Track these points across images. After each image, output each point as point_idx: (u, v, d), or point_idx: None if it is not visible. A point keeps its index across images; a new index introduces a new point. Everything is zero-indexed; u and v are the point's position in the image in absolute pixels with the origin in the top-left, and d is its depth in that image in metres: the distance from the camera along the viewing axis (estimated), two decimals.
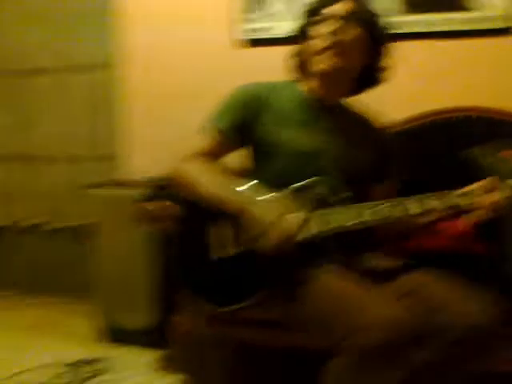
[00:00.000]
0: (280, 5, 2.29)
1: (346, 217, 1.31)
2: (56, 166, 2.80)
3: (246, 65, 2.34)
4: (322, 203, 1.36)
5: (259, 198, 1.35)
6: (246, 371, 1.71)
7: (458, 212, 1.29)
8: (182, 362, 1.79)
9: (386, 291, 1.30)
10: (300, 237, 1.30)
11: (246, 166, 1.57)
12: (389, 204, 1.31)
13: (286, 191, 1.38)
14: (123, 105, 2.58)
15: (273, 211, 1.30)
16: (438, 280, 1.34)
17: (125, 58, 2.55)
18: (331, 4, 1.44)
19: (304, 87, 1.52)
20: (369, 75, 1.51)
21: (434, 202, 1.28)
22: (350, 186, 1.41)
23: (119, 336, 2.34)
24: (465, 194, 1.28)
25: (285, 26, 2.22)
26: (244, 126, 1.48)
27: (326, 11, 1.44)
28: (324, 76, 1.46)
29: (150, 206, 1.71)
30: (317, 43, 1.43)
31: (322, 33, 1.42)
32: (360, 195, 1.41)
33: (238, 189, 1.40)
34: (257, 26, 2.35)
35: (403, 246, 1.57)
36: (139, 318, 2.28)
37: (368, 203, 1.33)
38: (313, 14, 1.47)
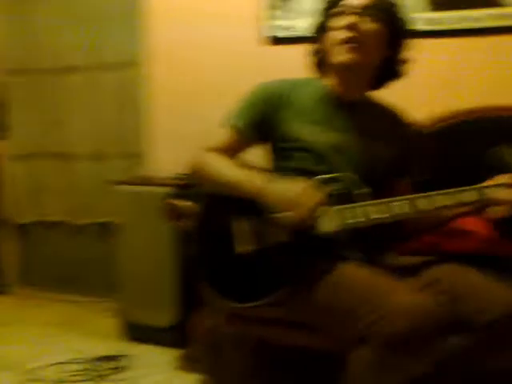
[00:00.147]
0: (305, 2, 2.26)
1: (374, 210, 1.31)
2: (84, 162, 2.83)
3: (270, 62, 2.33)
4: (344, 197, 1.35)
5: (279, 181, 1.35)
6: (266, 370, 1.70)
7: (480, 207, 1.32)
8: (202, 360, 1.79)
9: (409, 283, 1.29)
10: (323, 229, 1.29)
11: (265, 163, 1.56)
12: (418, 196, 1.31)
13: (306, 180, 1.37)
14: (149, 102, 2.60)
15: (294, 188, 1.29)
16: (461, 270, 1.34)
17: (151, 55, 2.57)
18: None
19: (324, 84, 1.51)
20: (389, 68, 1.49)
21: (467, 194, 1.30)
22: (369, 182, 1.39)
23: (141, 334, 2.35)
24: (487, 189, 1.30)
25: (309, 24, 2.19)
26: (264, 123, 1.48)
27: (345, 3, 1.43)
28: (342, 70, 1.45)
29: (179, 203, 1.72)
30: (335, 35, 1.42)
31: (340, 25, 1.41)
32: (380, 191, 1.40)
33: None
34: (282, 23, 2.33)
35: (425, 247, 1.55)
36: (161, 316, 2.28)
37: (395, 197, 1.33)
38: (332, 6, 1.46)
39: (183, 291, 2.17)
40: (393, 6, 1.47)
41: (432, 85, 2.12)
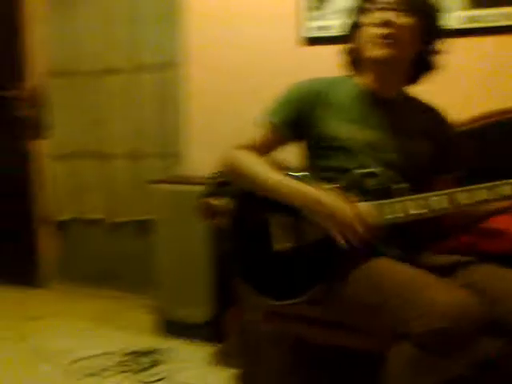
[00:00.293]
0: (341, 2, 2.25)
1: (413, 205, 1.29)
2: (123, 162, 2.87)
3: (307, 62, 2.33)
4: (383, 193, 1.34)
5: (319, 188, 1.34)
6: (304, 368, 1.69)
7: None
8: (238, 356, 1.80)
9: (447, 281, 1.26)
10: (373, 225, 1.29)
11: (299, 162, 1.56)
12: (457, 190, 1.28)
13: (342, 181, 1.37)
14: (188, 103, 2.63)
15: (342, 201, 1.28)
16: (500, 272, 1.31)
17: (189, 56, 2.60)
18: None
19: (360, 82, 1.51)
20: (423, 60, 1.47)
21: (508, 187, 1.27)
22: (407, 179, 1.38)
23: (176, 329, 2.37)
24: None
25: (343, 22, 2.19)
26: (300, 121, 1.48)
27: None
28: (378, 66, 1.44)
29: (215, 201, 1.74)
30: (370, 31, 1.41)
31: (375, 22, 1.40)
32: (418, 188, 1.37)
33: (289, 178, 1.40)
34: (318, 23, 2.33)
35: (462, 247, 1.52)
36: (197, 312, 2.31)
37: (433, 192, 1.30)
38: (366, 1, 1.45)
39: (218, 288, 2.18)
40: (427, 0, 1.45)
41: (469, 84, 2.09)
